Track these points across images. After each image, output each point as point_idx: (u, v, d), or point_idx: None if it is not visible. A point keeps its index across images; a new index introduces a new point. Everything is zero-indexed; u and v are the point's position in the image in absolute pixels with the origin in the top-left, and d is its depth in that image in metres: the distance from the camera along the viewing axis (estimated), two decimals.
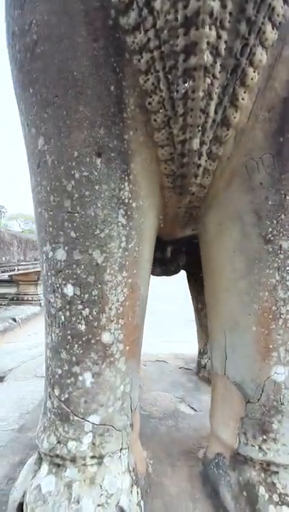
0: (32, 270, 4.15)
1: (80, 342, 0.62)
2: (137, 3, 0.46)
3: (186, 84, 0.50)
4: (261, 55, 0.50)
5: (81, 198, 0.59)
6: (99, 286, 0.61)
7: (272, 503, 0.58)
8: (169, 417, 1.04)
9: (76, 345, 0.62)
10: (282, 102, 0.55)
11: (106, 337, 0.63)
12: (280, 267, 0.61)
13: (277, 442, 0.62)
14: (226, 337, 0.69)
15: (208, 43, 0.46)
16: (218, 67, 0.49)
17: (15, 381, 1.94)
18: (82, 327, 0.62)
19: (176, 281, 2.43)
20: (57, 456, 0.61)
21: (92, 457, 0.61)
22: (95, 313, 0.62)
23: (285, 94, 0.55)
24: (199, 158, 0.59)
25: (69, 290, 0.62)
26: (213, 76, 0.50)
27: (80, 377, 0.63)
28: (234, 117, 0.55)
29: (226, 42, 0.47)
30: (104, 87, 0.54)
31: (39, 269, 4.36)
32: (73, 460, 0.60)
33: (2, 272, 2.79)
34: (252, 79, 0.52)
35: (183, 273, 1.44)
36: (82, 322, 0.62)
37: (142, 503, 0.62)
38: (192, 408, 1.10)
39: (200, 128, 0.55)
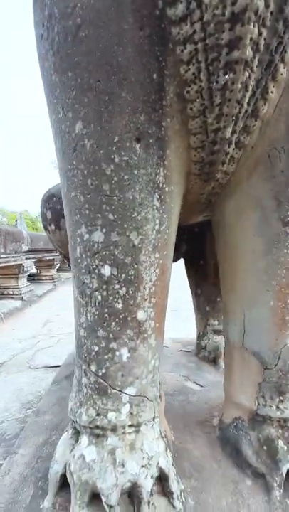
0: (12, 263, 4.02)
1: (117, 320, 0.66)
2: None
3: (226, 76, 0.54)
4: None
5: (120, 181, 0.61)
6: (135, 266, 0.65)
7: None
8: (179, 393, 1.11)
9: (113, 323, 0.66)
10: None
11: (140, 315, 0.67)
12: None
13: None
14: (245, 313, 0.76)
15: (250, 39, 0.51)
16: (255, 62, 0.54)
17: (8, 374, 1.92)
18: (119, 305, 0.65)
19: None
20: (97, 427, 0.65)
21: (131, 426, 0.66)
22: (131, 292, 0.65)
23: None
24: (228, 146, 0.64)
25: (106, 271, 0.65)
26: (251, 70, 0.54)
27: (117, 353, 0.66)
28: (263, 109, 0.61)
29: (264, 39, 0.52)
30: (147, 75, 0.56)
31: (20, 262, 4.22)
32: (114, 429, 0.64)
33: None
34: (282, 74, 0.57)
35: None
36: (119, 301, 0.65)
37: (174, 465, 0.68)
38: (198, 384, 1.18)
39: (234, 118, 0.59)
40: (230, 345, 0.83)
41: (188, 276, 1.55)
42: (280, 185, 0.67)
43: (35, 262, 5.21)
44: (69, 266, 1.34)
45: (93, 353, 0.67)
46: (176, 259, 1.39)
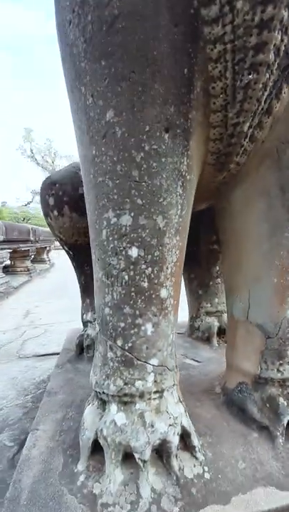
0: None
1: (142, 297, 0.71)
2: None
3: (250, 76, 0.61)
4: None
5: (149, 168, 0.66)
6: (160, 248, 0.70)
7: None
8: (180, 368, 1.18)
9: (139, 301, 0.71)
10: None
11: (163, 292, 0.73)
12: None
13: None
14: (250, 290, 0.86)
15: (274, 45, 0.58)
16: (275, 65, 0.61)
17: None
18: (145, 284, 0.71)
19: None
20: (125, 395, 0.71)
21: (156, 392, 0.73)
22: (155, 271, 0.71)
23: None
24: (244, 140, 0.71)
25: (134, 252, 0.69)
26: (271, 72, 0.61)
27: (143, 328, 0.72)
28: (276, 107, 0.68)
29: (285, 45, 0.59)
30: (179, 69, 0.61)
31: None
32: (141, 396, 0.71)
33: None
34: None
35: None
36: (145, 280, 0.71)
37: (192, 425, 0.77)
38: (196, 361, 1.28)
39: (252, 114, 0.66)
40: (234, 321, 0.93)
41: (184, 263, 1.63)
42: (285, 176, 0.76)
43: (9, 253, 5.01)
44: (69, 253, 1.36)
45: (119, 329, 0.73)
46: None
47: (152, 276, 0.71)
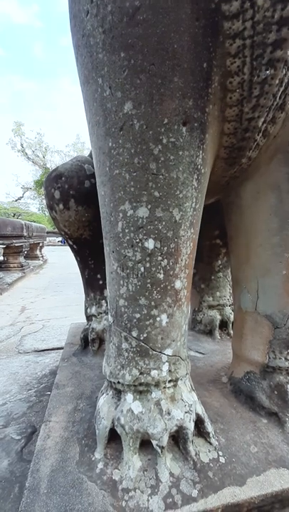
0: None
1: (158, 289, 0.72)
2: None
3: (267, 72, 0.62)
4: None
5: (166, 161, 0.67)
6: (175, 240, 0.72)
7: None
8: None
9: (155, 292, 0.72)
10: None
11: (178, 284, 0.75)
12: None
13: None
14: (259, 282, 0.88)
15: None
16: None
17: None
18: (161, 276, 0.72)
19: None
20: (141, 384, 0.72)
21: (170, 381, 0.74)
22: (171, 263, 0.72)
23: None
24: (258, 134, 0.73)
25: (150, 244, 0.70)
26: (287, 68, 0.63)
27: (158, 318, 0.74)
28: None
29: None
30: (199, 63, 0.61)
31: None
32: (157, 384, 0.73)
33: None
34: None
35: None
36: (161, 271, 0.72)
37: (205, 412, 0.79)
38: (200, 353, 1.31)
39: (267, 109, 0.68)
40: (241, 312, 0.95)
41: None
42: None
43: (3, 248, 4.93)
44: (73, 247, 1.35)
45: (134, 320, 0.74)
46: None
47: (168, 267, 0.72)
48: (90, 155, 1.38)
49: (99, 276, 1.40)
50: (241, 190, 0.88)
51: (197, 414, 0.74)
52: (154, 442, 0.67)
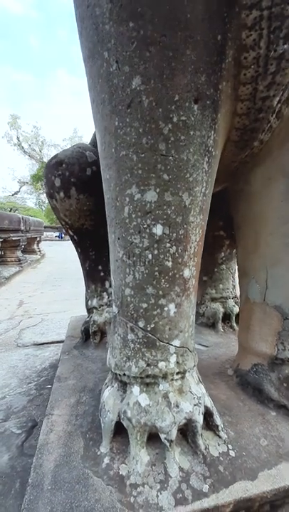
0: None
1: (166, 277, 0.69)
2: None
3: (285, 46, 0.58)
4: None
5: (176, 141, 0.63)
6: (185, 226, 0.68)
7: None
8: None
9: (163, 280, 0.69)
10: None
11: (186, 272, 0.72)
12: None
13: None
14: (268, 272, 0.85)
15: None
16: None
17: None
18: (169, 264, 0.69)
19: None
20: (148, 376, 0.70)
21: (178, 373, 0.72)
22: (180, 250, 0.69)
23: None
24: (272, 115, 0.69)
25: (158, 230, 0.67)
26: None
27: (166, 308, 0.70)
28: None
29: None
30: (213, 35, 0.57)
31: None
32: (165, 376, 0.70)
33: None
34: None
35: None
36: (169, 259, 0.69)
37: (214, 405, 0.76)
38: (203, 345, 1.29)
39: (283, 87, 0.64)
40: (249, 303, 0.93)
41: None
42: None
43: (0, 242, 4.86)
44: (73, 237, 1.31)
45: (141, 310, 0.71)
46: None
47: (176, 255, 0.69)
48: (91, 142, 1.33)
49: (100, 267, 1.36)
50: (251, 176, 0.85)
51: (206, 407, 0.71)
52: (162, 436, 0.64)
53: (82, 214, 1.18)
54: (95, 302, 1.36)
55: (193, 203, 0.68)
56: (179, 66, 0.58)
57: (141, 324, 0.71)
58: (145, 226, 0.67)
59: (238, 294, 1.54)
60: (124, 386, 0.74)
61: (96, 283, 1.37)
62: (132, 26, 0.58)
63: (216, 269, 1.51)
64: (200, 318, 1.54)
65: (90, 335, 1.31)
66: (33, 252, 7.68)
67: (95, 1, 0.61)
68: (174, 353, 0.72)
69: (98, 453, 0.67)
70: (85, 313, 1.89)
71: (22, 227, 5.58)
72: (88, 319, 1.36)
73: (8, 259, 5.47)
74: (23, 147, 26.61)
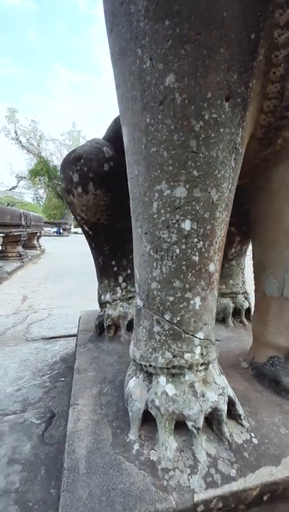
0: None
1: (193, 271, 0.71)
2: None
3: None
4: None
5: (207, 138, 0.64)
6: (212, 221, 0.70)
7: None
8: None
9: (190, 274, 0.71)
10: None
11: (211, 267, 0.74)
12: None
13: None
14: (286, 267, 0.87)
15: None
16: None
17: (7, 346, 1.86)
18: (196, 258, 0.71)
19: None
20: (174, 367, 0.72)
21: (202, 364, 0.74)
22: (206, 245, 0.71)
23: None
24: None
25: (186, 225, 0.69)
26: None
27: (192, 302, 0.73)
28: None
29: None
30: (246, 34, 0.59)
31: None
32: (190, 367, 0.72)
33: None
34: None
35: None
36: (196, 254, 0.70)
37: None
38: (216, 339, 1.31)
39: None
40: (265, 298, 0.95)
41: None
42: None
43: (1, 237, 4.85)
44: (88, 233, 1.33)
45: (168, 303, 0.73)
46: None
47: (203, 250, 0.71)
48: (105, 138, 1.34)
49: (113, 262, 1.38)
50: (272, 173, 0.86)
51: (229, 397, 0.74)
52: (189, 424, 0.67)
53: (99, 209, 1.20)
54: (108, 297, 1.38)
55: (220, 199, 0.70)
56: (212, 64, 0.60)
57: (167, 317, 0.73)
58: (174, 221, 0.69)
59: (248, 289, 1.57)
60: (149, 377, 0.76)
61: (109, 278, 1.39)
62: (168, 24, 0.59)
63: (226, 265, 1.53)
64: None
65: (105, 329, 1.33)
66: (34, 247, 7.67)
67: None
68: (199, 344, 0.74)
69: (127, 440, 0.70)
70: (93, 307, 1.91)
71: (23, 222, 5.56)
72: (102, 313, 1.37)
73: (10, 255, 5.46)
74: (20, 141, 26.34)
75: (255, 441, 0.70)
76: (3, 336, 2.02)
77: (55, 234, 20.95)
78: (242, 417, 0.74)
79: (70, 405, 0.84)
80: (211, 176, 0.67)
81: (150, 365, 0.74)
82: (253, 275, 1.07)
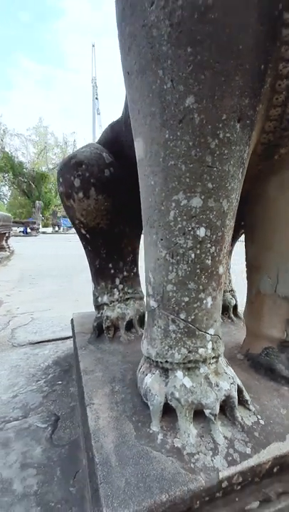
0: None
1: (206, 274, 0.78)
2: None
3: None
4: None
5: (221, 155, 0.72)
6: (222, 228, 0.78)
7: None
8: None
9: (203, 277, 0.78)
10: None
11: (221, 269, 0.81)
12: None
13: None
14: (279, 267, 0.99)
15: None
16: None
17: None
18: (209, 262, 0.78)
19: None
20: (190, 361, 0.79)
21: (213, 357, 0.82)
22: (217, 250, 0.79)
23: None
24: None
25: (201, 232, 0.76)
26: None
27: (204, 301, 0.80)
28: None
29: None
30: (257, 65, 0.67)
31: None
32: (204, 361, 0.80)
33: None
34: None
35: None
36: (209, 258, 0.78)
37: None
38: None
39: None
40: (260, 295, 1.06)
41: None
42: None
43: None
44: (85, 236, 1.34)
45: (183, 304, 0.79)
46: None
47: (215, 254, 0.78)
48: (101, 142, 1.36)
49: (110, 265, 1.41)
50: (268, 182, 0.97)
51: (238, 385, 0.82)
52: (207, 411, 0.74)
53: (99, 214, 1.22)
54: (105, 299, 1.41)
55: (229, 208, 0.78)
56: (228, 89, 0.67)
57: (182, 316, 0.80)
58: (190, 229, 0.75)
59: (234, 288, 1.69)
60: (165, 372, 0.82)
61: (106, 280, 1.42)
62: (190, 51, 0.65)
63: None
64: None
65: (104, 330, 1.36)
66: (2, 248, 7.29)
67: (154, 22, 0.66)
68: (210, 340, 0.82)
69: (150, 432, 0.75)
70: (76, 309, 1.93)
71: None
72: (99, 315, 1.40)
73: None
74: None
75: (262, 422, 0.79)
76: None
77: (22, 234, 20.00)
78: (249, 402, 0.83)
79: (85, 405, 0.87)
80: (223, 188, 0.74)
81: (166, 361, 0.80)
82: (242, 275, 1.18)
